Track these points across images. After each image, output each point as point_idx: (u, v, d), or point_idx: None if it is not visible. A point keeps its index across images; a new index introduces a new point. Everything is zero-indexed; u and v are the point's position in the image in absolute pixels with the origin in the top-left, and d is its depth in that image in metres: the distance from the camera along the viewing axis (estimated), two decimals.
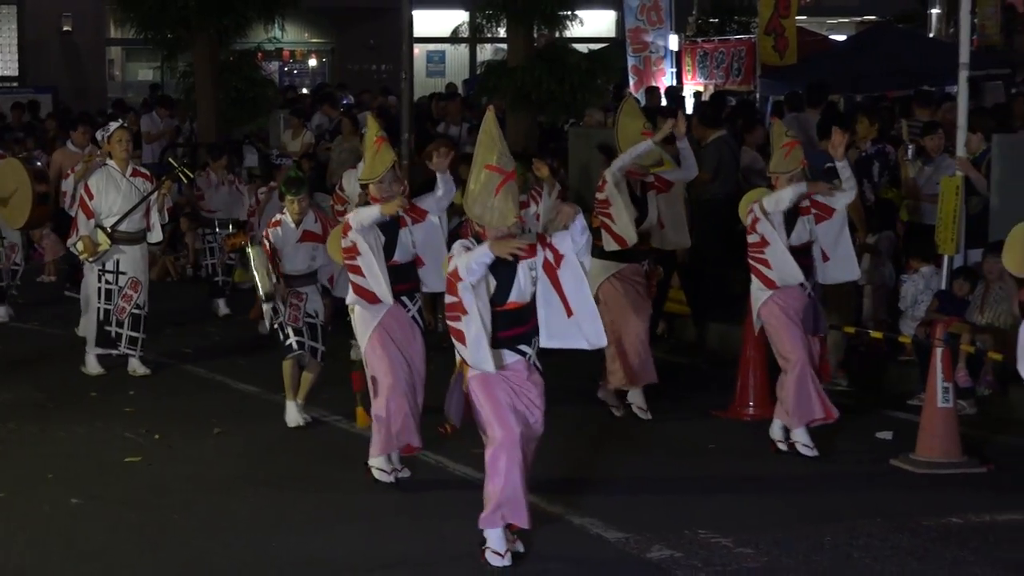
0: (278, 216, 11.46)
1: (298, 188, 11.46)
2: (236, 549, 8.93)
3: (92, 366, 13.29)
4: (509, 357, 8.16)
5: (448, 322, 8.16)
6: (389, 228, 9.73)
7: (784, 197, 10.39)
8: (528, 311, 8.17)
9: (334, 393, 11.79)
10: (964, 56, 12.89)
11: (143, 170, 13.50)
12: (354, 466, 10.24)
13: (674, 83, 25.10)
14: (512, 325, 8.15)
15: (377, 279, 9.59)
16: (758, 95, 22.45)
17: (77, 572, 8.56)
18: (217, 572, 8.55)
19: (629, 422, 11.78)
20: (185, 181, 14.89)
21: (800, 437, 10.65)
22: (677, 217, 11.96)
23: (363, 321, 9.87)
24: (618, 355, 11.54)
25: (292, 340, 11.31)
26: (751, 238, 10.64)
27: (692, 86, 24.84)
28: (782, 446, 10.73)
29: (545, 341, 8.23)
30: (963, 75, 12.88)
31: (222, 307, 16.35)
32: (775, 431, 10.79)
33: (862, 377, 12.96)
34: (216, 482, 10.42)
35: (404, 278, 9.84)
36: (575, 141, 17.29)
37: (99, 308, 13.16)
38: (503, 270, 8.05)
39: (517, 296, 8.12)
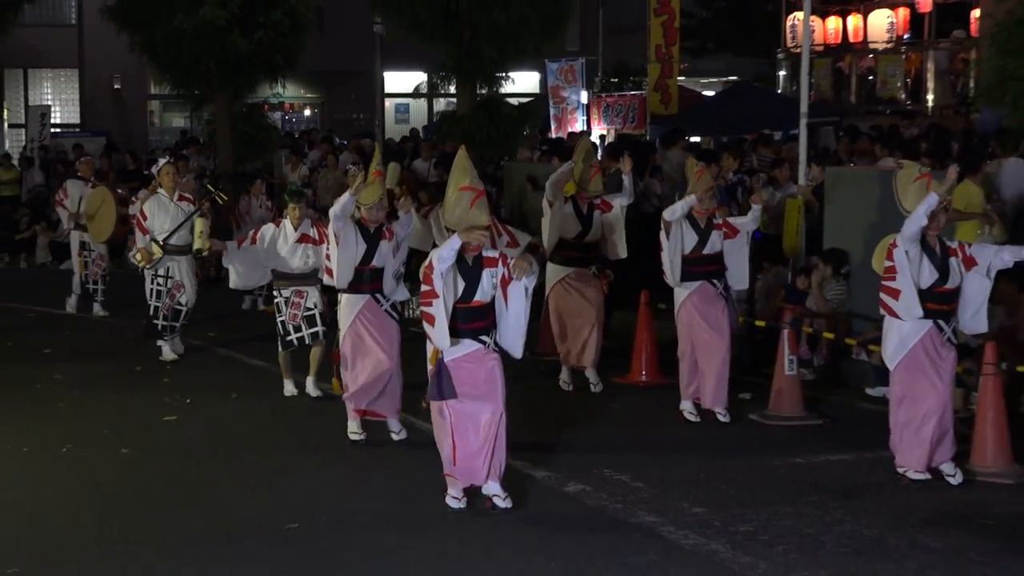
0: (282, 221, 11.35)
1: (298, 198, 11.46)
2: (246, 488, 8.93)
3: (165, 353, 13.20)
4: (471, 345, 8.11)
5: (421, 308, 8.11)
6: (372, 239, 9.70)
7: (677, 208, 10.40)
8: (488, 309, 8.14)
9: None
10: (804, 107, 12.97)
11: (188, 195, 13.40)
12: (338, 424, 10.17)
13: (584, 128, 25.17)
14: (474, 319, 8.11)
15: (344, 265, 9.63)
16: (648, 137, 22.53)
17: (126, 506, 8.54)
18: (229, 503, 8.56)
19: (569, 393, 11.69)
20: (220, 203, 14.78)
21: (686, 407, 10.63)
22: (618, 233, 11.80)
23: (346, 309, 9.79)
24: (570, 342, 11.55)
25: (292, 337, 11.28)
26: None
27: (598, 130, 24.86)
28: (689, 416, 10.59)
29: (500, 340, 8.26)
30: (803, 122, 12.98)
31: (246, 302, 16.23)
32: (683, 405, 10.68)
33: None
34: (232, 436, 10.42)
35: (378, 279, 9.79)
36: (509, 173, 17.28)
37: (151, 305, 13.12)
38: (471, 274, 8.06)
39: (480, 296, 8.08)
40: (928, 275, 8.64)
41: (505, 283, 8.10)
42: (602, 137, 23.59)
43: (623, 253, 11.84)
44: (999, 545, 7.58)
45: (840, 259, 12.17)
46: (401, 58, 25.62)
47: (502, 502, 8.12)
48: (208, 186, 15.51)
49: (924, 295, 8.63)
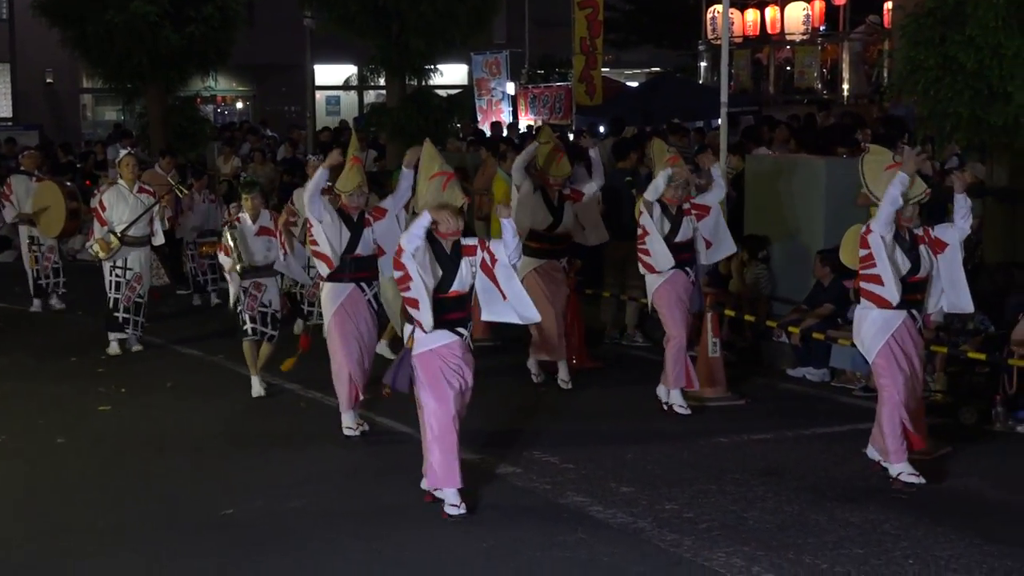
0: (238, 214, 11.01)
1: (251, 188, 11.14)
2: (181, 476, 8.84)
3: (113, 347, 12.86)
4: (448, 337, 7.74)
5: (402, 294, 7.75)
6: (356, 227, 9.42)
7: (659, 183, 10.03)
8: (466, 299, 7.82)
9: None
10: (724, 97, 13.03)
11: (148, 187, 13.14)
12: (275, 413, 10.08)
13: (510, 120, 25.22)
14: (453, 310, 7.73)
15: (331, 250, 9.30)
16: (574, 127, 22.60)
17: (63, 496, 8.43)
18: (164, 490, 8.45)
19: (502, 380, 11.31)
20: (181, 196, 14.61)
21: (676, 399, 10.26)
22: (594, 220, 11.56)
23: (329, 298, 9.53)
24: (538, 334, 11.15)
25: (248, 327, 10.92)
26: (639, 230, 10.26)
27: (525, 120, 24.96)
28: (665, 406, 10.30)
29: (485, 316, 8.03)
30: (724, 111, 13.04)
31: (196, 299, 15.84)
32: (660, 393, 10.36)
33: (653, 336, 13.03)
34: (167, 423, 10.30)
35: (365, 267, 9.48)
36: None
37: (110, 298, 12.79)
38: (449, 264, 7.71)
39: (459, 286, 7.72)
40: (902, 264, 8.40)
41: (489, 268, 7.77)
42: (529, 127, 23.65)
43: (604, 237, 11.66)
44: (913, 518, 7.68)
45: (758, 244, 12.26)
46: (331, 51, 25.55)
47: (455, 510, 7.71)
48: (169, 179, 15.30)
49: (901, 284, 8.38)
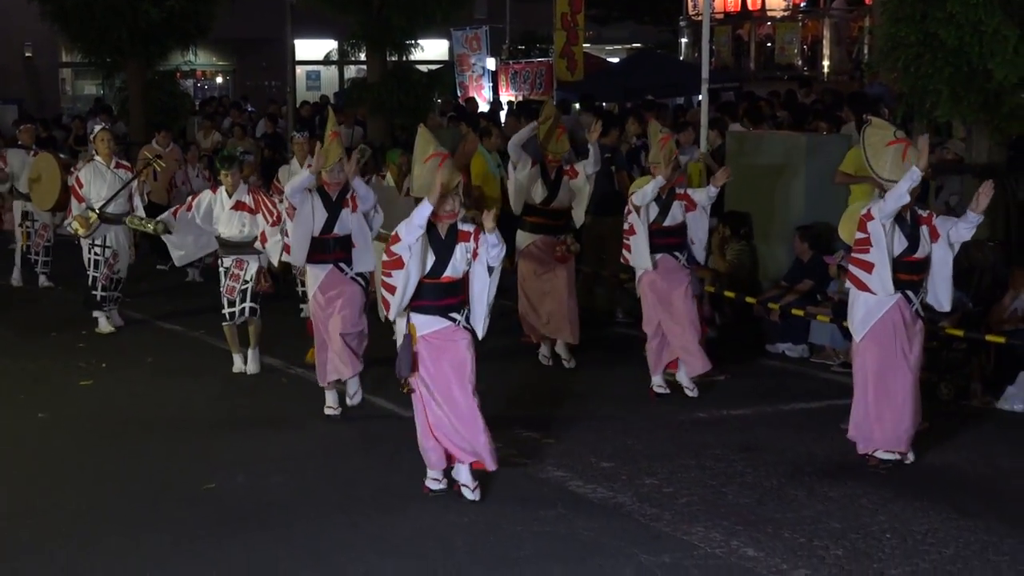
0: (218, 188, 10.86)
1: (230, 164, 10.82)
2: (162, 450, 8.84)
3: (102, 325, 12.72)
4: (440, 323, 7.49)
5: (382, 278, 7.49)
6: (334, 206, 9.29)
7: (648, 191, 9.78)
8: (460, 285, 7.52)
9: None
10: (705, 73, 13.08)
11: (125, 163, 13.06)
12: (259, 391, 10.08)
13: (490, 96, 25.20)
14: (444, 296, 7.47)
15: (300, 239, 9.27)
16: (555, 103, 22.60)
17: (45, 470, 8.43)
18: (146, 464, 8.43)
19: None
20: (159, 170, 14.54)
21: (656, 382, 10.09)
22: (580, 200, 11.14)
23: (310, 279, 9.46)
24: (536, 314, 11.02)
25: (226, 311, 10.78)
26: (625, 224, 10.06)
27: (506, 96, 24.93)
28: (659, 390, 10.11)
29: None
30: (704, 87, 13.09)
31: (189, 275, 15.61)
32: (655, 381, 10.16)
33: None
34: (148, 398, 10.29)
35: (343, 247, 9.34)
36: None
37: (90, 275, 12.61)
38: (443, 249, 7.43)
39: (452, 272, 7.44)
40: (899, 244, 8.14)
41: (474, 258, 7.49)
42: (510, 103, 23.64)
43: (580, 220, 11.35)
44: (890, 493, 7.73)
45: (739, 221, 12.30)
46: (312, 26, 25.40)
47: (470, 494, 7.56)
48: (146, 154, 15.24)
49: (894, 264, 8.12)
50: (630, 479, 8.01)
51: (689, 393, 10.06)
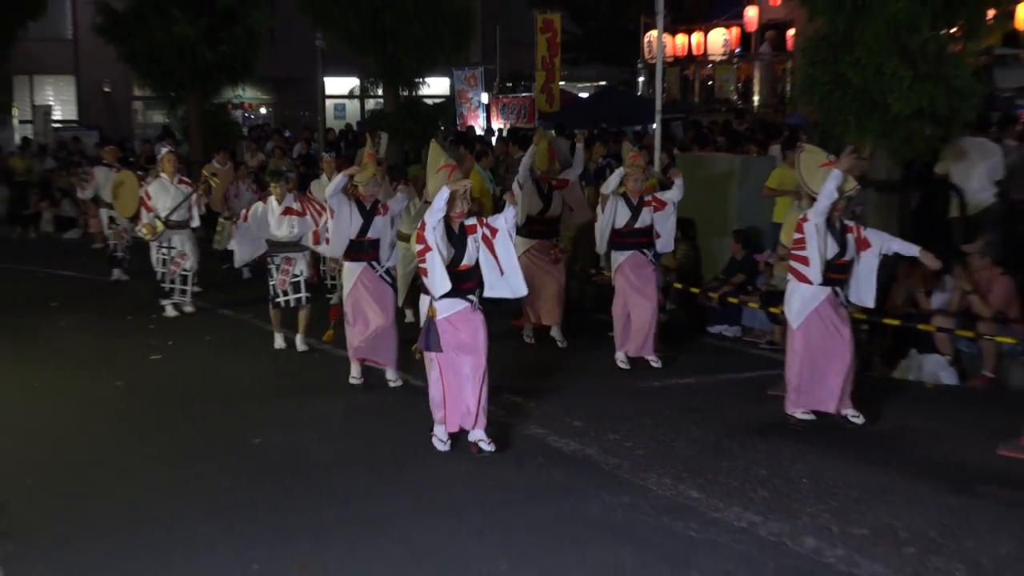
0: (268, 198, 10.82)
1: (278, 178, 10.89)
2: (218, 410, 8.86)
3: (168, 311, 12.73)
4: (459, 304, 7.46)
5: (418, 264, 7.47)
6: (368, 213, 9.18)
7: (611, 181, 9.99)
8: (474, 271, 7.50)
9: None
10: (658, 106, 13.06)
11: (186, 179, 13.04)
12: (304, 365, 10.06)
13: (484, 124, 25.18)
14: (463, 281, 7.43)
15: (338, 236, 9.16)
16: (537, 127, 22.62)
17: (120, 428, 8.47)
18: (204, 422, 8.47)
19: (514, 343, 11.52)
20: (213, 186, 14.46)
21: (619, 356, 10.13)
22: (580, 203, 11.34)
23: (347, 275, 9.32)
24: (535, 303, 10.88)
25: (280, 299, 10.77)
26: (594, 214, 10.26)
27: (497, 124, 24.93)
28: (621, 365, 10.14)
29: (486, 292, 7.65)
30: (658, 118, 13.08)
31: (247, 273, 15.42)
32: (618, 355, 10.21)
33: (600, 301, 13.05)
34: (206, 370, 10.32)
35: (375, 248, 9.23)
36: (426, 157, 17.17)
37: (157, 272, 12.70)
38: (459, 241, 7.44)
39: (467, 260, 7.45)
40: (831, 248, 8.13)
41: (489, 240, 7.50)
42: (500, 130, 23.63)
43: (588, 215, 11.25)
44: (807, 446, 7.77)
45: (686, 225, 12.30)
46: (338, 67, 25.35)
47: (487, 446, 7.56)
48: (203, 171, 15.19)
49: (826, 265, 8.14)
50: (596, 435, 8.04)
51: (654, 364, 10.07)
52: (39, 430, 8.39)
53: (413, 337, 8.32)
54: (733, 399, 9.08)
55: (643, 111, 21.21)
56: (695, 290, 11.79)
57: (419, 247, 7.35)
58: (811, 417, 8.31)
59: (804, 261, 8.16)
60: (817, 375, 8.28)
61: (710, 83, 25.85)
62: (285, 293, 10.76)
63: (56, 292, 14.64)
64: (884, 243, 8.26)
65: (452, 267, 7.39)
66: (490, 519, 6.40)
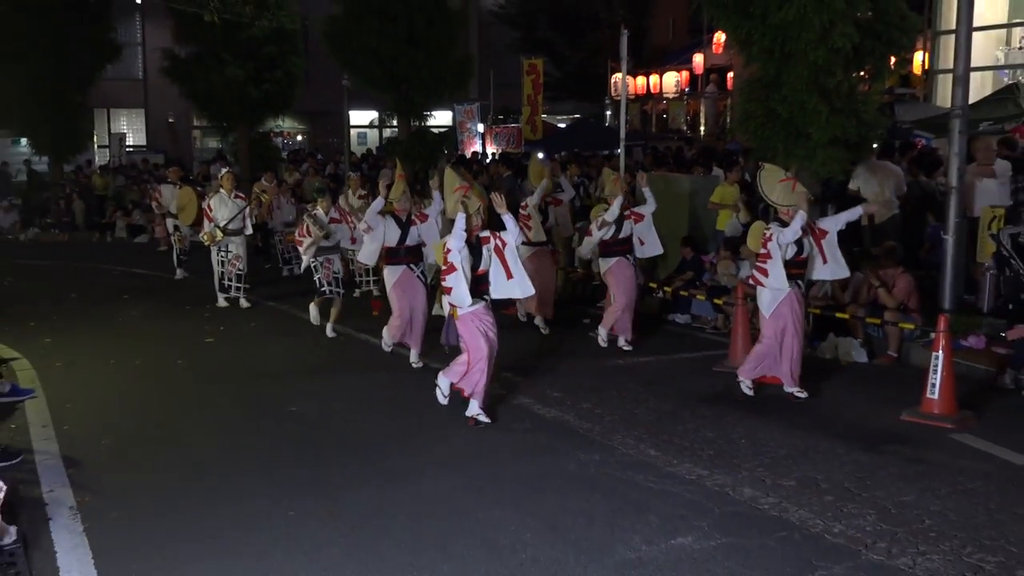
0: (315, 210, 10.75)
1: (322, 192, 11.01)
2: (262, 382, 8.78)
3: (220, 302, 12.57)
4: (479, 303, 7.40)
5: (442, 282, 7.48)
6: (404, 224, 9.09)
7: (614, 210, 9.77)
8: (487, 276, 7.46)
9: (359, 321, 11.10)
10: (622, 135, 13.01)
11: (241, 194, 12.86)
12: (331, 348, 10.00)
13: (480, 149, 25.09)
14: (481, 283, 7.41)
15: (371, 247, 9.20)
16: (523, 153, 22.54)
17: (180, 398, 8.39)
18: (250, 392, 8.40)
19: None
20: (264, 201, 14.31)
21: (601, 333, 10.03)
22: (566, 220, 11.42)
23: (389, 275, 9.21)
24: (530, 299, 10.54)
25: (325, 288, 10.66)
26: (588, 230, 10.20)
27: (491, 149, 24.82)
28: (601, 343, 10.03)
29: (494, 294, 7.54)
30: (622, 144, 13.01)
31: (284, 271, 15.34)
32: (600, 334, 10.11)
33: (578, 294, 13.01)
34: (252, 351, 10.24)
35: (411, 254, 9.14)
36: (434, 178, 17.07)
37: (216, 271, 12.55)
38: (476, 251, 7.37)
39: (483, 266, 7.40)
40: (791, 250, 7.98)
41: (500, 251, 7.43)
42: (493, 154, 23.54)
43: (570, 231, 11.43)
44: (745, 412, 7.74)
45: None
46: (361, 102, 25.18)
47: (483, 418, 7.43)
48: (254, 188, 15.10)
49: (788, 264, 7.95)
50: (573, 404, 8.00)
51: (625, 348, 9.97)
52: (113, 399, 8.32)
53: (434, 327, 8.25)
54: (685, 374, 9.05)
55: (610, 139, 21.16)
56: (653, 285, 11.74)
57: (444, 267, 7.30)
58: (750, 392, 8.22)
59: (765, 272, 8.01)
60: (778, 356, 8.18)
61: (664, 116, 25.83)
62: (330, 284, 10.67)
63: (127, 287, 14.55)
64: (835, 224, 8.19)
65: (472, 272, 7.34)
66: (486, 473, 6.36)
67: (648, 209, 10.02)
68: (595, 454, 6.72)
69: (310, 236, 10.54)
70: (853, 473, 6.34)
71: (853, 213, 8.30)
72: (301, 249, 10.93)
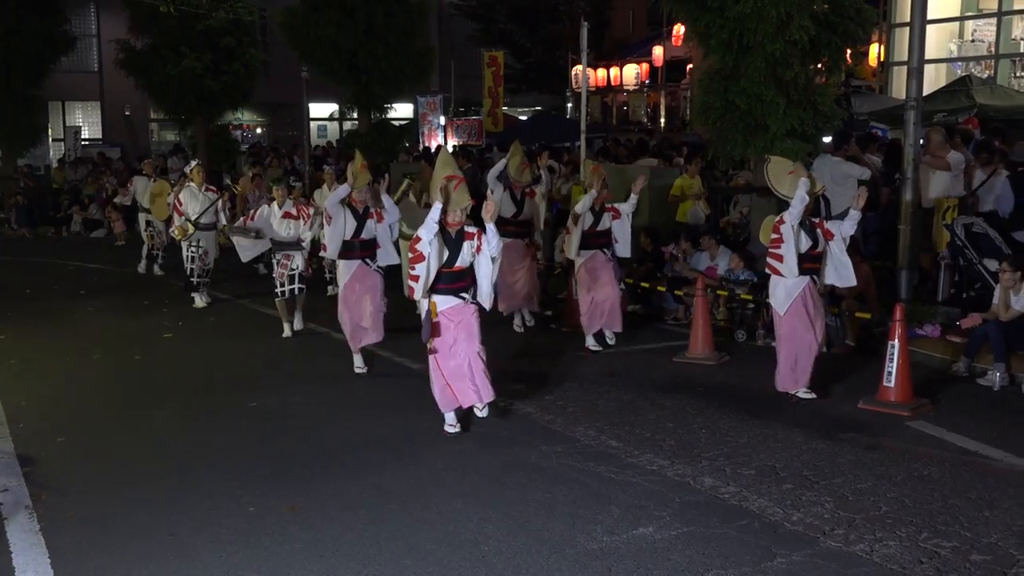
0: (272, 201, 10.46)
1: (278, 182, 10.62)
2: (220, 378, 8.71)
3: (197, 302, 12.15)
4: (452, 301, 6.92)
5: (408, 270, 6.91)
6: (360, 217, 8.62)
7: (586, 201, 9.31)
8: (467, 272, 6.91)
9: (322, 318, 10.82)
10: (583, 127, 13.05)
11: (212, 187, 12.51)
12: (293, 342, 9.95)
13: (442, 141, 25.02)
14: (456, 280, 6.89)
15: (334, 240, 8.59)
16: (484, 146, 22.51)
17: (137, 392, 8.29)
18: (208, 388, 8.32)
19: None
20: (236, 193, 14.02)
21: (589, 341, 9.56)
22: (539, 214, 10.67)
23: (343, 270, 8.74)
24: (512, 295, 10.36)
25: (279, 289, 10.35)
26: (567, 227, 9.68)
27: (452, 142, 24.76)
28: (593, 348, 9.57)
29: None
30: (583, 136, 13.05)
31: (261, 268, 14.59)
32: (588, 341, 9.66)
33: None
34: (210, 346, 10.14)
35: (367, 247, 8.65)
36: (395, 169, 16.99)
37: (188, 267, 12.12)
38: (455, 245, 6.84)
39: (460, 262, 6.86)
40: (805, 243, 7.64)
41: (478, 251, 6.88)
42: (455, 146, 23.49)
43: (540, 226, 10.94)
44: (705, 402, 7.79)
45: None
46: (320, 94, 25.01)
47: (479, 412, 7.07)
48: (227, 180, 14.88)
49: (803, 258, 7.64)
50: (535, 396, 8.00)
51: (609, 341, 9.69)
52: (69, 397, 8.20)
53: (414, 325, 7.88)
54: (645, 365, 9.07)
55: (571, 131, 21.23)
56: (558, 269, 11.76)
57: (411, 255, 6.81)
58: (812, 395, 7.79)
59: (779, 258, 7.67)
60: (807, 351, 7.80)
61: (625, 108, 25.94)
62: (282, 284, 10.34)
63: (83, 282, 14.36)
64: (841, 229, 7.77)
65: (447, 268, 6.89)
66: (447, 466, 6.34)
67: (628, 208, 9.54)
68: (557, 445, 6.72)
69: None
70: (811, 461, 6.40)
71: (854, 217, 7.77)
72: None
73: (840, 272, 7.85)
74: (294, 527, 5.38)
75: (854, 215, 7.76)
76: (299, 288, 10.41)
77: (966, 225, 9.92)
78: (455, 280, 6.96)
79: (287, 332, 10.41)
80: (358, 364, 8.84)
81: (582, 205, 9.42)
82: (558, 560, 4.95)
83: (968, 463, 6.38)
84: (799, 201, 7.56)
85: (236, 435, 7.07)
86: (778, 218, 7.75)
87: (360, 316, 8.70)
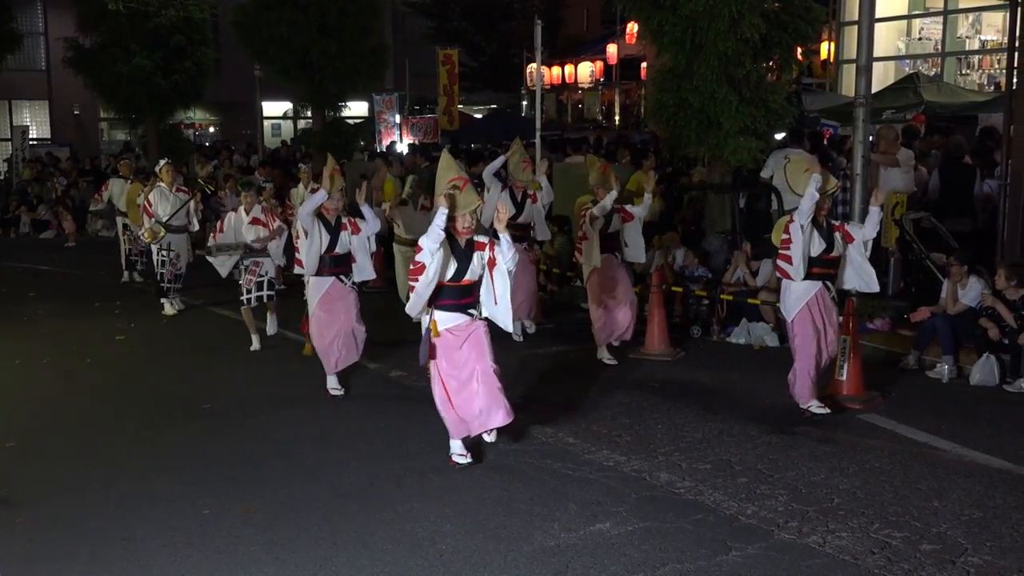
0: (239, 207, 9.98)
1: (247, 187, 10.16)
2: (173, 381, 8.60)
3: (167, 309, 11.64)
4: (459, 318, 6.21)
5: (409, 281, 6.13)
6: (334, 229, 7.81)
7: (606, 204, 8.71)
8: (475, 287, 6.20)
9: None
10: (538, 125, 13.07)
11: (183, 187, 12.11)
12: (249, 342, 9.88)
13: (398, 140, 24.93)
14: (463, 296, 6.18)
15: (311, 255, 7.78)
16: (440, 143, 22.45)
17: (89, 397, 8.17)
18: (161, 391, 8.21)
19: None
20: (209, 193, 13.62)
21: (603, 354, 9.06)
22: (540, 221, 10.19)
23: (314, 289, 7.91)
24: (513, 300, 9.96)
25: (244, 296, 9.71)
26: (581, 233, 9.04)
27: (407, 140, 24.68)
28: (608, 361, 9.03)
29: (484, 312, 6.41)
30: (538, 134, 13.08)
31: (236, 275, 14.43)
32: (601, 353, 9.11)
33: None
34: (163, 349, 10.02)
35: (341, 263, 7.87)
36: (350, 169, 16.90)
37: (158, 272, 11.61)
38: (464, 256, 6.13)
39: (470, 275, 6.14)
40: (818, 245, 7.20)
41: (492, 264, 6.18)
42: (411, 145, 23.41)
43: (546, 236, 10.66)
44: (662, 399, 7.83)
45: (562, 222, 12.32)
46: (273, 92, 24.89)
47: (487, 436, 6.55)
48: (199, 180, 14.55)
49: (814, 261, 7.21)
50: (516, 395, 7.96)
51: (615, 344, 9.26)
52: (19, 400, 8.05)
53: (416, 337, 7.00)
54: (601, 362, 9.08)
55: (527, 129, 21.13)
56: (570, 274, 11.80)
57: (412, 267, 6.11)
58: (826, 411, 7.32)
59: (788, 260, 7.21)
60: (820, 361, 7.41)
61: (580, 106, 26.01)
62: (249, 292, 9.75)
63: (33, 284, 14.12)
64: (862, 233, 7.37)
65: (455, 281, 6.17)
66: (405, 465, 6.32)
67: (641, 211, 9.02)
68: (513, 443, 6.72)
69: (216, 237, 9.79)
70: (766, 455, 6.47)
71: (873, 221, 7.36)
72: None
73: (863, 277, 7.47)
74: (249, 529, 5.33)
75: (874, 213, 7.34)
76: (268, 296, 9.88)
77: (914, 220, 10.07)
78: (462, 295, 6.22)
79: (255, 345, 9.72)
80: (332, 385, 8.05)
81: (601, 208, 8.78)
82: (515, 557, 4.96)
83: (918, 455, 6.49)
84: (809, 198, 7.04)
85: (189, 437, 6.99)
86: (788, 217, 7.32)
87: (334, 338, 7.94)
